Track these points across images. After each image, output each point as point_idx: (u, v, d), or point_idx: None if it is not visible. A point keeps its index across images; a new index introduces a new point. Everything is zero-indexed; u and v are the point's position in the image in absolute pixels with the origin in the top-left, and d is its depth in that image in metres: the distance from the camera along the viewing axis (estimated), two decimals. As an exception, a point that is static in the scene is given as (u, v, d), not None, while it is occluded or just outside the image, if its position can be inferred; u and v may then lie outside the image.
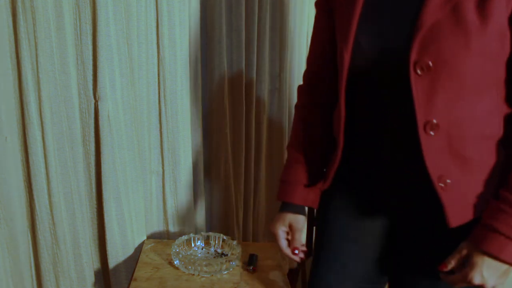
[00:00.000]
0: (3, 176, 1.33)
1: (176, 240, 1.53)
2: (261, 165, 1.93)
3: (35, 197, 1.41)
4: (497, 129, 0.86)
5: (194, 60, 1.67)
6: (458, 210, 0.86)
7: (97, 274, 1.63)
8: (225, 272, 1.45)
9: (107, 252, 1.58)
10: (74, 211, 1.50)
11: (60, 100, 1.42)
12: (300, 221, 1.12)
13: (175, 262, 1.46)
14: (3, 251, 1.37)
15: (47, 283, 1.49)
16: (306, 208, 1.17)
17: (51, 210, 1.43)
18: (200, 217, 1.82)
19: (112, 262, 1.59)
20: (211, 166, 1.85)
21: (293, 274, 1.55)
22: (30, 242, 1.46)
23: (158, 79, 1.62)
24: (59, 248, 1.46)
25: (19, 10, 1.28)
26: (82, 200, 1.53)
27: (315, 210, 1.32)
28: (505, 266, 0.80)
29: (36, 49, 1.32)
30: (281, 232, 1.13)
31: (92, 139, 1.52)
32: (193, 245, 1.59)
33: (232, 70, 1.77)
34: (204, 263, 1.42)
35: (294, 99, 2.02)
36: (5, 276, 1.38)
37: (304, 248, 1.14)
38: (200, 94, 1.73)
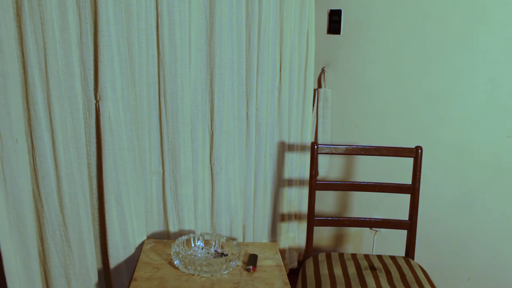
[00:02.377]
0: (14, 180, 1.29)
1: (176, 240, 1.53)
2: (261, 164, 1.93)
3: (43, 200, 1.38)
4: None
5: (194, 59, 1.67)
6: None
7: (99, 274, 1.63)
8: (225, 272, 1.45)
9: (108, 252, 1.58)
10: (79, 212, 1.48)
11: (65, 101, 1.41)
12: None
13: (175, 262, 1.46)
14: (16, 257, 1.33)
15: (58, 287, 1.46)
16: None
17: (62, 212, 1.41)
18: (200, 217, 1.82)
19: (113, 262, 1.59)
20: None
21: (293, 274, 1.55)
22: (40, 246, 1.43)
23: (158, 79, 1.62)
24: (71, 250, 1.45)
25: (25, 9, 1.27)
26: (86, 201, 1.53)
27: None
28: None
29: (45, 49, 1.30)
30: None
31: (94, 140, 1.51)
32: (193, 245, 1.59)
33: (233, 69, 1.77)
34: (204, 263, 1.42)
35: (294, 99, 2.03)
36: (19, 283, 1.34)
37: None
38: (201, 93, 1.73)
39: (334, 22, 2.09)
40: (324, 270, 1.60)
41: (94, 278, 1.57)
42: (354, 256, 1.72)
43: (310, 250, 1.75)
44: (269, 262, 1.54)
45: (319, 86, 2.19)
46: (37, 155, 1.35)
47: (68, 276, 1.47)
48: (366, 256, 1.71)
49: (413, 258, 1.74)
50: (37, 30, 1.29)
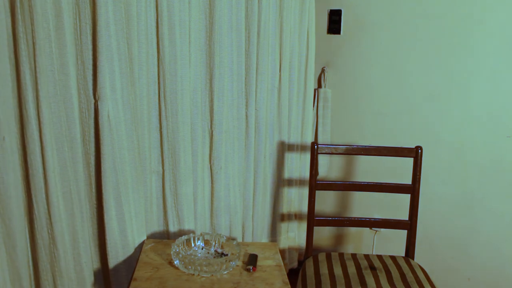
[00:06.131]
0: (1, 175, 1.33)
1: (176, 240, 1.53)
2: (260, 164, 1.93)
3: (33, 196, 1.41)
4: None
5: (194, 59, 1.67)
6: None
7: (97, 274, 1.63)
8: (225, 272, 1.45)
9: (107, 252, 1.58)
10: (73, 210, 1.50)
11: (59, 100, 1.42)
12: None
13: (175, 262, 1.46)
14: (0, 250, 1.37)
15: (44, 282, 1.49)
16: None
17: (48, 210, 1.43)
18: (200, 216, 1.82)
19: (112, 262, 1.59)
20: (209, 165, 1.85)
21: (293, 274, 1.54)
22: (28, 241, 1.46)
23: (158, 79, 1.62)
24: (56, 248, 1.46)
25: (18, 10, 1.28)
26: (81, 200, 1.53)
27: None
28: None
29: (34, 49, 1.32)
30: None
31: (92, 139, 1.52)
32: (193, 245, 1.59)
33: (232, 69, 1.77)
34: (204, 263, 1.42)
35: (294, 99, 2.03)
36: (3, 274, 1.38)
37: None
38: (200, 93, 1.73)
39: (334, 22, 2.09)
40: (324, 270, 1.60)
41: (89, 277, 1.57)
42: (354, 256, 1.72)
43: (310, 250, 1.75)
44: (269, 262, 1.54)
45: (319, 86, 2.19)
46: (28, 153, 1.37)
47: (54, 272, 1.48)
48: (366, 256, 1.71)
49: (413, 258, 1.74)
50: (28, 30, 1.30)
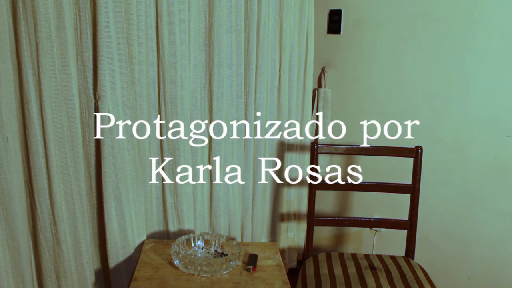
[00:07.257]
0: (4, 176, 1.33)
1: (176, 240, 1.53)
2: (259, 164, 1.93)
3: (36, 197, 1.41)
4: None
5: (193, 59, 1.67)
6: None
7: (97, 273, 1.63)
8: (225, 272, 1.45)
9: (107, 252, 1.58)
10: (74, 211, 1.50)
11: (61, 100, 1.42)
12: None
13: (175, 262, 1.46)
14: (4, 251, 1.37)
15: (48, 283, 1.49)
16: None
17: (52, 210, 1.43)
18: (199, 216, 1.82)
19: (112, 262, 1.59)
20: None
21: (292, 274, 1.54)
22: (31, 242, 1.46)
23: (158, 79, 1.62)
24: (60, 248, 1.46)
25: (20, 10, 1.28)
26: (82, 200, 1.53)
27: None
28: None
29: (37, 49, 1.32)
30: None
31: (93, 139, 1.52)
32: (193, 245, 1.59)
33: (232, 69, 1.77)
34: (204, 263, 1.42)
35: (294, 98, 2.03)
36: (6, 276, 1.38)
37: None
38: (200, 93, 1.73)
39: (334, 22, 2.09)
40: (324, 270, 1.60)
41: (90, 277, 1.57)
42: (354, 256, 1.72)
43: (310, 250, 1.75)
44: (269, 262, 1.54)
45: (319, 86, 2.19)
46: (31, 154, 1.37)
47: (58, 273, 1.48)
48: (366, 256, 1.71)
49: (413, 258, 1.74)
50: (31, 30, 1.30)
